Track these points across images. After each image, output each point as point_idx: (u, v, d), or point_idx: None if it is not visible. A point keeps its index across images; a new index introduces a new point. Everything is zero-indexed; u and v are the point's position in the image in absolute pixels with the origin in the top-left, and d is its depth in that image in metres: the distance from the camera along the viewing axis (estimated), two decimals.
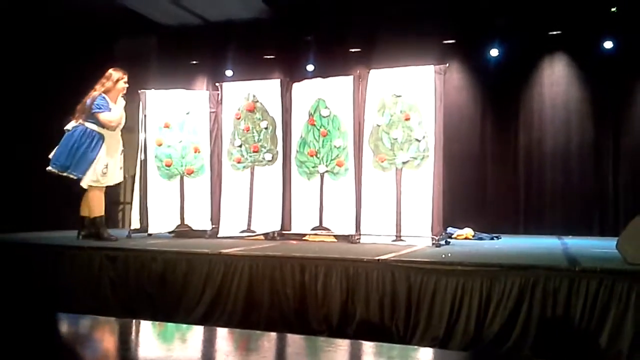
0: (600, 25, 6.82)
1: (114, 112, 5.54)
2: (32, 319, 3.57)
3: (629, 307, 3.38)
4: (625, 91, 6.97)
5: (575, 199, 7.01)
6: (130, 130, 5.95)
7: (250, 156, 6.13)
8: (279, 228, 5.88)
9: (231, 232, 6.00)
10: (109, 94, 5.56)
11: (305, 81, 6.13)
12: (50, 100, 7.16)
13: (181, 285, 4.42)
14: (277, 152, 6.04)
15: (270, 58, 8.07)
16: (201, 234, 6.12)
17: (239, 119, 6.19)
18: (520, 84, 7.34)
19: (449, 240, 5.62)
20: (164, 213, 6.15)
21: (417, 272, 3.86)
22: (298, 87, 6.04)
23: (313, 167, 5.86)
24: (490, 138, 7.45)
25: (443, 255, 4.27)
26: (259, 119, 6.12)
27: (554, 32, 7.11)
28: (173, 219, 6.18)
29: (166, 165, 6.18)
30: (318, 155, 5.84)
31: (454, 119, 6.99)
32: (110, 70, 5.63)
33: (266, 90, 6.12)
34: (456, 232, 6.27)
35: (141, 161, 6.29)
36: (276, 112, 6.06)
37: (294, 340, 3.16)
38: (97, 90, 5.53)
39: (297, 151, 5.95)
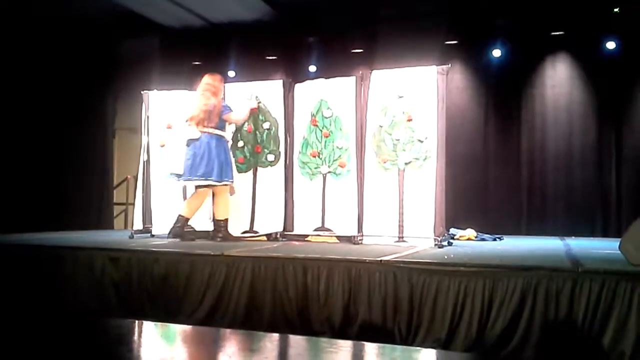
0: (602, 25, 6.81)
1: (238, 111, 5.94)
2: (33, 320, 3.58)
3: (632, 309, 3.37)
4: (628, 92, 6.96)
5: (578, 200, 7.00)
6: (133, 131, 5.97)
7: (253, 157, 6.14)
8: (281, 229, 5.89)
9: (234, 233, 6.00)
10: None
11: (308, 82, 6.13)
12: (54, 101, 7.20)
13: (184, 286, 4.42)
14: (279, 152, 6.05)
15: (272, 59, 8.08)
16: (204, 234, 6.12)
17: None
18: (523, 84, 7.33)
19: (451, 241, 5.62)
20: (167, 214, 6.15)
21: (419, 273, 3.86)
22: (300, 88, 6.04)
23: (315, 168, 5.86)
24: (492, 139, 7.44)
25: (445, 256, 4.27)
26: (262, 119, 6.12)
27: (557, 33, 7.10)
28: None
29: None
30: (320, 156, 5.84)
31: (457, 120, 6.98)
32: (209, 78, 5.81)
33: (269, 91, 6.13)
34: (458, 233, 6.27)
35: (144, 162, 6.30)
36: (278, 113, 6.06)
37: (296, 341, 3.17)
38: (213, 99, 5.71)
39: (299, 152, 5.95)
